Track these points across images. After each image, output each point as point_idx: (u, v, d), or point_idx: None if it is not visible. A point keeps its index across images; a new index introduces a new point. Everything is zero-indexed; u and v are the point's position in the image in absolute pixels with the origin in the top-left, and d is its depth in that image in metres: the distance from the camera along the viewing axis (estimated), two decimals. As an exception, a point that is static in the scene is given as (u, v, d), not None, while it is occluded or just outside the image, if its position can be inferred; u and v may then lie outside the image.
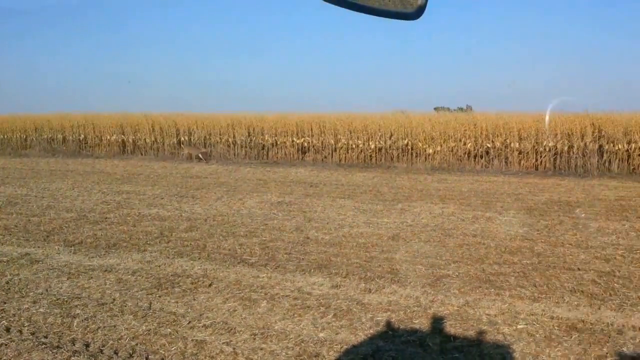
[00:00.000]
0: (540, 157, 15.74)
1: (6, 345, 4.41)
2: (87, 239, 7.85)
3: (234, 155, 19.55)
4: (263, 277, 6.07)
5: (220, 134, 19.96)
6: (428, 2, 1.47)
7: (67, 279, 6.09)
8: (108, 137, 21.79)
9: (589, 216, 9.15)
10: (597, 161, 15.02)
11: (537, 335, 4.49)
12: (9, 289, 5.81)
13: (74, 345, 4.42)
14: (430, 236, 7.86)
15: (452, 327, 4.69)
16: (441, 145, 16.76)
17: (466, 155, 16.52)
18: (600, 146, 15.12)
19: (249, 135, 19.58)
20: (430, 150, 16.86)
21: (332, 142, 18.17)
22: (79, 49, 61.92)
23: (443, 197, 11.26)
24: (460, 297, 5.39)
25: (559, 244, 7.40)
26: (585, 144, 15.16)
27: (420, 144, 17.06)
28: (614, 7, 55.39)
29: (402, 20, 1.51)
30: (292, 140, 18.80)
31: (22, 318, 4.99)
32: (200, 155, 18.97)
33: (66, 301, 5.41)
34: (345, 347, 4.32)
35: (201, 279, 6.02)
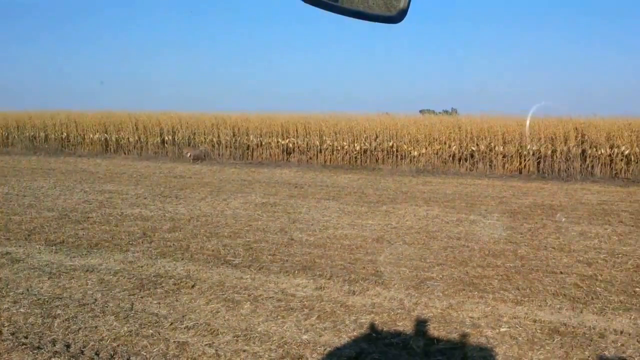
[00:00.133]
0: (524, 160, 15.85)
1: (-16, 346, 4.34)
2: (69, 239, 7.76)
3: (219, 155, 19.45)
4: (247, 278, 6.03)
5: (204, 134, 19.86)
6: (410, 6, 1.47)
7: (48, 279, 6.01)
8: (91, 136, 21.58)
9: (572, 220, 9.22)
10: (580, 165, 15.15)
11: (520, 339, 4.50)
12: (-12, 288, 5.72)
13: (55, 345, 4.36)
14: (415, 238, 7.88)
15: (435, 330, 4.69)
16: (426, 148, 16.81)
17: (451, 158, 16.58)
18: (583, 150, 15.25)
19: (234, 136, 19.49)
20: (415, 153, 16.91)
21: (317, 143, 18.15)
22: (64, 46, 61.34)
23: (427, 199, 11.29)
24: (443, 299, 5.40)
25: (542, 247, 7.44)
26: (568, 148, 15.29)
27: (405, 146, 17.10)
28: (597, 16, 56.04)
29: (385, 24, 1.51)
30: (277, 141, 18.75)
31: (2, 318, 4.91)
32: (194, 155, 18.80)
33: (47, 301, 5.34)
34: (329, 349, 4.30)
35: (184, 279, 5.97)
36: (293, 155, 18.55)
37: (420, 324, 4.80)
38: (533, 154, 15.69)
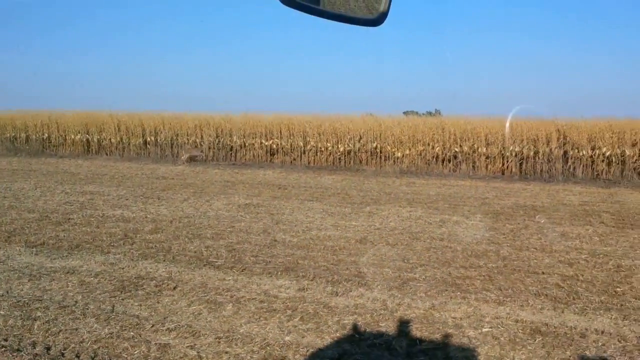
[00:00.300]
0: (507, 162, 15.96)
1: (-39, 349, 4.27)
2: (50, 240, 7.67)
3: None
4: (229, 279, 6.00)
5: (187, 135, 19.74)
6: (390, 9, 1.48)
7: (29, 281, 5.93)
8: (72, 137, 21.34)
9: (554, 220, 9.29)
10: (562, 167, 15.30)
11: (502, 339, 4.52)
12: (-34, 291, 5.63)
13: (35, 348, 4.31)
14: (398, 239, 7.89)
15: (418, 331, 4.69)
16: (410, 149, 16.86)
17: (434, 159, 16.65)
18: (565, 152, 15.41)
19: (217, 137, 19.41)
20: (399, 154, 16.95)
21: (301, 144, 18.13)
22: (42, 45, 60.70)
23: (411, 200, 11.32)
24: (426, 300, 5.41)
25: (524, 248, 7.49)
26: (550, 149, 15.43)
27: (389, 148, 17.14)
28: (578, 19, 56.65)
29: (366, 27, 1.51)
30: (261, 142, 18.69)
31: (-21, 321, 4.84)
32: (189, 155, 18.62)
33: (27, 303, 5.27)
34: (312, 350, 4.29)
35: (166, 281, 5.92)
36: (277, 157, 18.52)
37: (403, 325, 4.80)
38: (515, 156, 15.81)
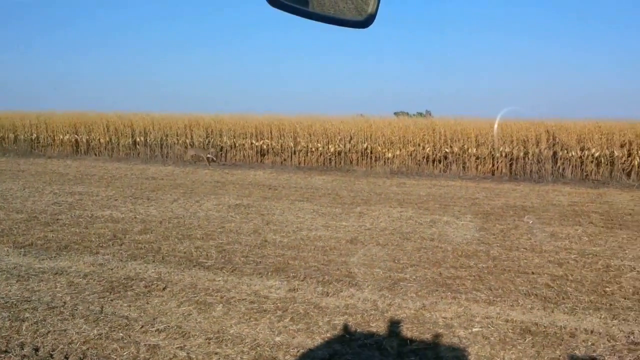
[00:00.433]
0: (497, 162, 16.01)
1: (-53, 351, 4.22)
2: (38, 241, 7.60)
3: (191, 157, 19.28)
4: (219, 280, 5.97)
5: (177, 135, 19.67)
6: (378, 11, 1.48)
7: (17, 282, 5.88)
8: (61, 137, 21.20)
9: (543, 221, 9.33)
10: (552, 167, 15.37)
11: (492, 338, 4.53)
12: (-48, 292, 5.58)
13: (23, 349, 4.27)
14: (388, 240, 7.88)
15: (409, 331, 4.69)
16: (400, 150, 16.88)
17: (425, 160, 16.68)
18: (555, 153, 15.48)
19: (207, 137, 19.34)
20: (390, 155, 16.97)
21: (292, 144, 18.10)
22: (32, 46, 60.33)
23: (401, 201, 11.32)
24: (417, 300, 5.40)
25: (513, 248, 7.51)
26: (540, 150, 15.50)
27: (379, 148, 17.15)
28: (568, 20, 56.99)
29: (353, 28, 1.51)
30: (251, 143, 18.66)
31: (-34, 322, 4.79)
32: (210, 156, 18.43)
33: (15, 304, 5.22)
34: (302, 351, 4.27)
35: (155, 282, 5.89)
36: (267, 157, 18.48)
37: (394, 325, 4.80)
38: (505, 156, 15.87)
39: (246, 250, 7.23)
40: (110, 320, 4.84)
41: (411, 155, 16.80)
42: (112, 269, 6.34)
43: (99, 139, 20.66)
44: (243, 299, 5.39)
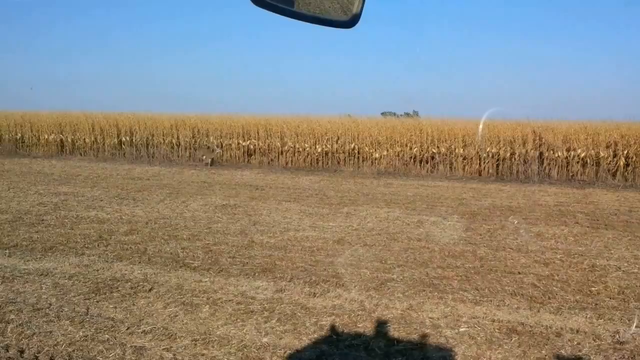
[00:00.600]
0: (484, 163, 16.08)
1: None
2: (23, 242, 7.53)
3: (178, 156, 19.19)
4: (206, 281, 5.94)
5: (163, 135, 19.55)
6: (363, 11, 1.48)
7: (1, 283, 5.83)
8: (46, 137, 20.99)
9: (530, 221, 9.38)
10: (538, 168, 15.46)
11: (479, 338, 4.54)
12: None
13: (8, 351, 4.24)
14: (376, 240, 7.89)
15: (396, 331, 4.69)
16: (387, 150, 16.91)
17: (412, 160, 16.71)
18: (541, 153, 15.58)
19: (194, 137, 19.26)
20: (377, 155, 16.99)
21: (279, 145, 18.07)
22: (19, 46, 59.83)
23: (388, 201, 11.34)
24: (404, 300, 5.41)
25: (500, 248, 7.54)
26: (526, 151, 15.60)
27: (367, 148, 17.17)
28: (556, 20, 57.42)
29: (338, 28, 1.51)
30: (238, 143, 18.60)
31: (-51, 325, 4.73)
32: (213, 157, 18.32)
33: (0, 306, 5.16)
34: (289, 351, 4.26)
35: (141, 283, 5.85)
36: (254, 157, 18.44)
37: (381, 325, 4.80)
38: (492, 157, 15.95)
39: (233, 250, 7.21)
40: (96, 322, 4.80)
41: (398, 155, 16.82)
42: (97, 270, 6.29)
43: (84, 139, 20.50)
44: (230, 300, 5.36)
